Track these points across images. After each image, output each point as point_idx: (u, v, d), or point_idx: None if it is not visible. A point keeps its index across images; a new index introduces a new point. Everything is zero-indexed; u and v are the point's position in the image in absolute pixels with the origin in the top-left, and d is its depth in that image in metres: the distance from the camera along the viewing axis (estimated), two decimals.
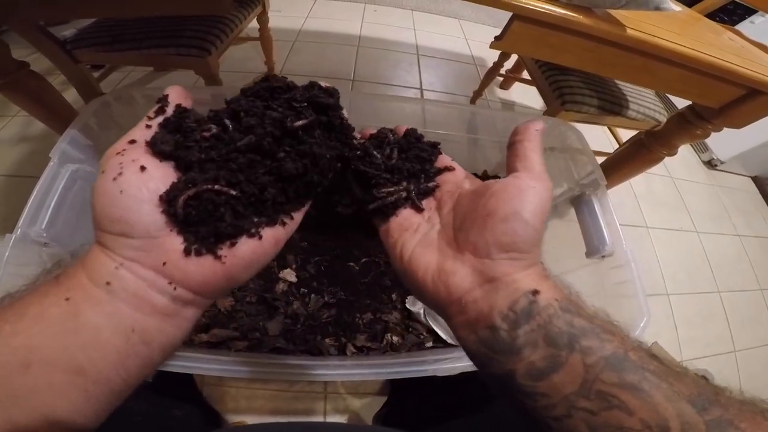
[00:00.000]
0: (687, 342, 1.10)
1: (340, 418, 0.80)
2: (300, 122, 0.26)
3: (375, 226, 0.32)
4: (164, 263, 0.21)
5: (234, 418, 0.76)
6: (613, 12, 0.56)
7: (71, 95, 0.89)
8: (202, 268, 0.21)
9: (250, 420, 0.77)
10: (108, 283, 0.20)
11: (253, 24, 1.24)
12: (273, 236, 0.24)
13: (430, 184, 0.30)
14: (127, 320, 0.20)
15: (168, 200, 0.22)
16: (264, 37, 1.31)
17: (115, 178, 0.21)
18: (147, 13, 0.89)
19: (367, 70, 1.58)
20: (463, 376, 0.54)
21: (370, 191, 0.30)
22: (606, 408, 0.19)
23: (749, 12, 1.59)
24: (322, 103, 0.27)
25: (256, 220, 0.24)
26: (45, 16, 0.59)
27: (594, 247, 0.61)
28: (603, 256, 0.60)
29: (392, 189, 0.29)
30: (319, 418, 0.79)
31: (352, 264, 0.82)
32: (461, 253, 0.24)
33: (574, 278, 0.73)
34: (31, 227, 0.52)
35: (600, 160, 0.78)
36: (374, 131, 0.33)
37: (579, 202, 0.68)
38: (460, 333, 0.24)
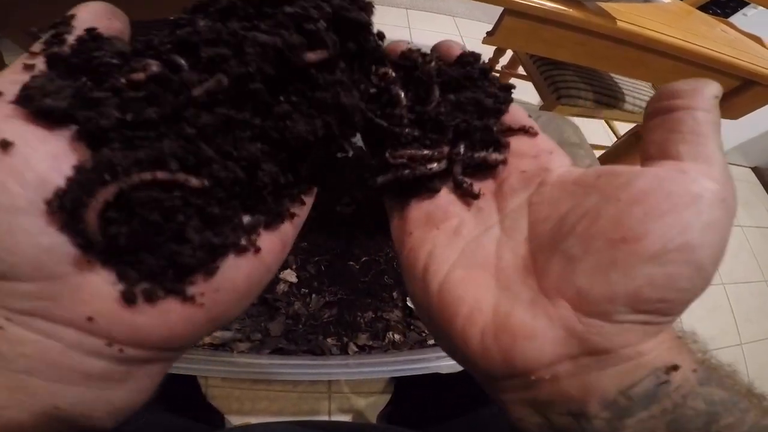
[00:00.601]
0: None
1: (344, 418, 0.80)
2: (316, 55, 0.15)
3: (386, 216, 0.20)
4: (89, 318, 0.12)
5: (238, 420, 0.76)
6: (604, 5, 0.56)
7: None
8: (165, 318, 0.13)
9: (254, 421, 0.77)
10: None
11: None
12: (277, 241, 0.16)
13: (493, 156, 0.17)
14: (44, 396, 0.12)
15: (68, 208, 0.12)
16: None
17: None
18: (140, 18, 0.90)
19: None
20: (467, 374, 0.54)
21: (383, 154, 0.18)
22: None
23: (741, 4, 1.59)
24: (351, 19, 0.16)
25: (246, 220, 0.15)
26: (38, 22, 0.60)
27: None
28: None
29: (421, 152, 0.17)
30: (324, 418, 0.80)
31: (352, 263, 0.82)
32: (548, 299, 0.14)
33: None
34: None
35: (599, 153, 0.78)
36: (406, 49, 0.19)
37: None
38: (512, 411, 0.15)
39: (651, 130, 0.15)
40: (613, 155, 0.92)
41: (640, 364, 0.13)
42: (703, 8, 0.92)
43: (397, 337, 0.76)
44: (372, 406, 0.82)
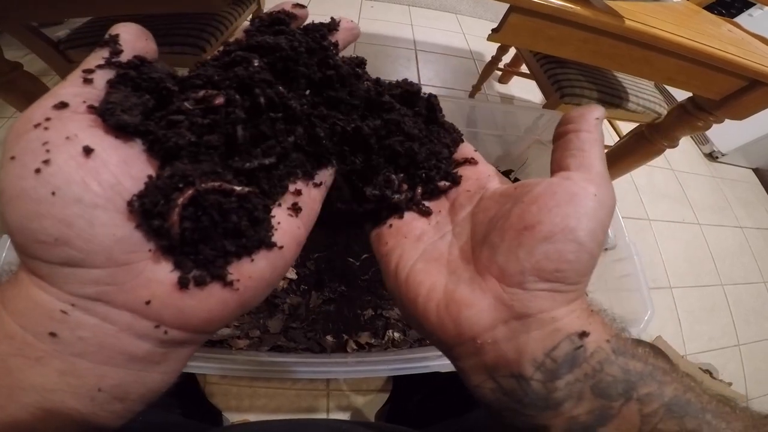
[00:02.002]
0: (691, 336, 1.10)
1: (342, 415, 0.80)
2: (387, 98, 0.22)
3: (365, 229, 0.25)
4: (147, 301, 0.14)
5: (236, 417, 0.76)
6: (612, 3, 0.55)
7: None
8: (207, 301, 0.15)
9: (253, 418, 0.77)
10: (52, 335, 0.13)
11: (247, 23, 1.23)
12: (294, 239, 0.19)
13: (443, 184, 0.23)
14: (90, 378, 0.14)
15: (148, 207, 0.14)
16: None
17: (38, 170, 0.12)
18: (139, 12, 0.89)
19: None
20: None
21: (360, 188, 0.22)
22: None
23: (747, 5, 1.58)
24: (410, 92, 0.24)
25: (273, 216, 0.18)
26: (37, 17, 0.59)
27: None
28: (606, 249, 0.60)
29: (388, 191, 0.22)
30: (322, 415, 0.79)
31: (352, 260, 0.81)
32: (481, 277, 0.18)
33: None
34: None
35: None
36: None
37: None
38: (470, 378, 0.18)
39: (554, 150, 0.20)
40: (616, 154, 0.91)
41: (556, 329, 0.16)
42: (708, 8, 0.92)
43: (396, 335, 0.75)
44: (370, 404, 0.81)
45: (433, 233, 0.22)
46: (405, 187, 0.23)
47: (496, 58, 1.33)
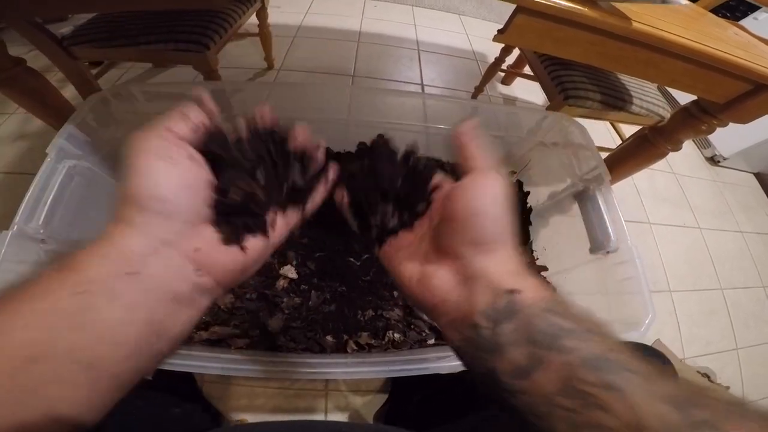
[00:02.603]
0: (689, 340, 1.10)
1: (341, 416, 0.80)
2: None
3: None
4: (196, 249, 0.21)
5: (234, 416, 0.75)
6: (618, 5, 0.55)
7: (69, 92, 0.89)
8: (229, 257, 0.22)
9: (251, 418, 0.77)
10: (135, 273, 0.19)
11: (253, 20, 1.23)
12: (283, 231, 0.27)
13: (422, 208, 0.29)
14: (145, 312, 0.19)
15: (220, 190, 0.23)
16: (263, 32, 1.30)
17: (164, 160, 0.21)
18: (143, 8, 0.89)
19: (367, 66, 1.57)
20: (466, 375, 0.54)
21: (366, 220, 0.31)
22: (586, 407, 0.19)
23: (752, 8, 1.58)
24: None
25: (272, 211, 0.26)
26: (42, 12, 0.58)
27: (598, 243, 0.61)
28: (607, 252, 0.60)
29: (388, 221, 0.30)
30: (320, 416, 0.79)
31: (352, 260, 0.81)
32: (441, 257, 0.25)
33: (577, 274, 0.72)
34: (27, 224, 0.51)
35: (602, 155, 0.77)
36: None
37: (583, 198, 0.67)
38: (446, 333, 0.25)
39: (457, 159, 0.27)
40: (618, 157, 0.91)
41: (497, 288, 0.22)
42: (713, 12, 0.91)
43: (396, 336, 0.75)
44: (369, 404, 0.81)
45: (416, 240, 0.28)
46: (396, 214, 0.30)
47: (500, 60, 1.33)
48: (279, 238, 0.27)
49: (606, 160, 0.91)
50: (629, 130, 1.19)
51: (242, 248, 0.23)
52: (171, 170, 0.20)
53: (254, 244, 0.24)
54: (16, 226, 0.50)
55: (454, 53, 1.77)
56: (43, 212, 0.53)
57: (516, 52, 1.43)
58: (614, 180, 0.94)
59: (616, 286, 0.59)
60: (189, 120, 0.23)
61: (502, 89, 1.65)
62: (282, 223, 0.27)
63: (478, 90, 1.40)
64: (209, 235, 0.22)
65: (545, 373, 0.20)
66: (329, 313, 0.75)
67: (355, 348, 0.73)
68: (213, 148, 0.23)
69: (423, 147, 1.00)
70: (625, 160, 0.90)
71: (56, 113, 0.77)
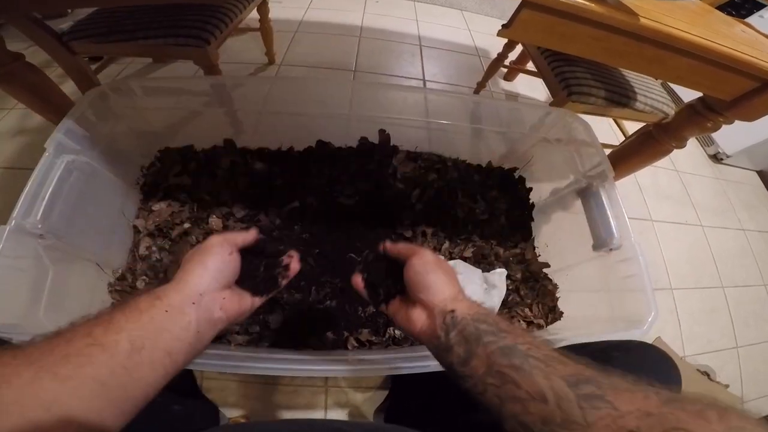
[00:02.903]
0: (690, 337, 1.10)
1: (341, 412, 0.80)
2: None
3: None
4: (223, 298, 0.35)
5: (233, 412, 0.75)
6: (625, 0, 0.54)
7: (69, 87, 0.88)
8: (235, 306, 0.37)
9: (250, 414, 0.76)
10: (194, 303, 0.32)
11: (254, 14, 1.22)
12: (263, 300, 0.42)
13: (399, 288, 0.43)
14: (196, 325, 0.31)
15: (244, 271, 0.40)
16: (264, 27, 1.29)
17: (213, 255, 0.36)
18: (143, 3, 0.88)
19: (369, 61, 1.56)
20: None
21: (377, 291, 0.44)
22: (504, 383, 0.28)
23: (758, 6, 1.56)
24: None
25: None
26: (40, 8, 0.57)
27: (601, 240, 0.60)
28: (610, 249, 0.59)
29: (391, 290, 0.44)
30: (320, 413, 0.79)
31: (353, 255, 0.81)
32: (413, 304, 0.39)
33: (580, 271, 0.72)
34: (25, 219, 0.51)
35: (605, 152, 0.77)
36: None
37: (586, 194, 0.67)
38: (426, 345, 0.37)
39: (397, 256, 0.43)
40: (621, 154, 0.90)
41: (443, 311, 0.35)
42: (718, 9, 0.90)
43: (397, 332, 0.75)
44: (369, 401, 0.81)
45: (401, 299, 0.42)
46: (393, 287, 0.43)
47: (503, 55, 1.32)
48: (260, 303, 0.41)
49: (609, 156, 0.91)
50: (632, 127, 1.18)
51: (245, 301, 0.39)
52: (212, 260, 0.36)
53: (252, 302, 0.40)
54: (14, 221, 0.50)
55: (457, 49, 1.76)
56: (42, 207, 0.53)
57: (519, 48, 1.42)
58: (617, 177, 0.93)
59: (618, 283, 0.58)
60: (242, 238, 0.40)
61: (505, 85, 1.64)
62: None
63: (480, 86, 1.39)
64: (228, 295, 0.36)
65: (476, 360, 0.30)
66: (329, 309, 0.75)
67: (356, 345, 0.73)
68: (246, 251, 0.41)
69: (424, 142, 1.01)
70: (628, 156, 0.89)
71: (55, 108, 0.76)
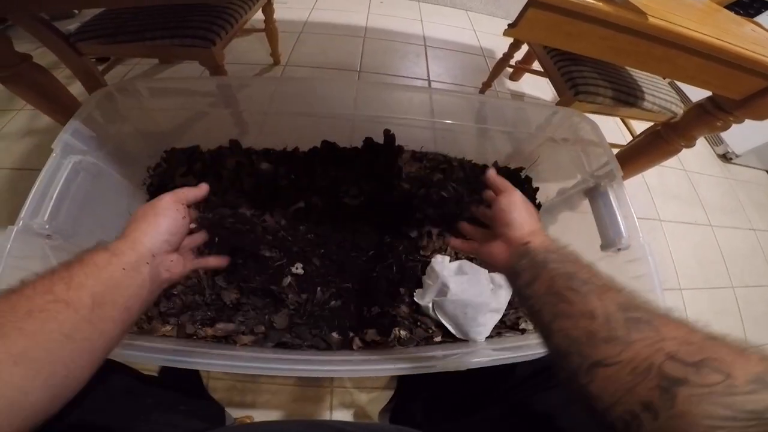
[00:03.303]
0: None
1: (346, 413, 0.80)
2: None
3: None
4: (171, 260, 0.37)
5: (239, 412, 0.75)
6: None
7: (77, 89, 0.89)
8: (178, 268, 0.39)
9: (256, 414, 0.77)
10: (147, 263, 0.34)
11: (259, 15, 1.22)
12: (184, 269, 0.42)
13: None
14: (150, 284, 0.34)
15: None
16: (269, 28, 1.29)
17: (163, 216, 0.37)
18: (147, 3, 0.88)
19: (373, 61, 1.56)
20: (472, 373, 0.53)
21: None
22: (559, 302, 0.31)
23: (765, 5, 1.54)
24: None
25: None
26: (46, 8, 0.58)
27: (609, 240, 0.60)
28: (619, 249, 0.59)
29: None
30: (326, 413, 0.79)
31: (358, 256, 0.80)
32: (495, 238, 0.44)
33: None
34: (33, 219, 0.51)
35: (613, 152, 0.76)
36: None
37: (594, 194, 0.66)
38: (504, 275, 0.42)
39: (490, 187, 0.50)
40: (629, 154, 0.89)
41: (518, 243, 0.40)
42: (726, 9, 0.89)
43: (403, 333, 0.74)
44: (374, 401, 0.81)
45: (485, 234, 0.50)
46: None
47: (508, 55, 1.31)
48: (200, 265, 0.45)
49: (616, 156, 0.90)
50: (640, 126, 1.17)
51: (188, 264, 0.41)
52: (164, 222, 0.37)
53: (194, 263, 0.43)
54: (21, 222, 0.50)
55: (462, 49, 1.75)
56: (49, 207, 0.53)
57: (525, 47, 1.41)
58: (625, 176, 0.92)
59: (627, 283, 0.57)
60: (192, 194, 0.41)
61: (510, 85, 1.63)
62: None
63: (486, 85, 1.38)
64: (175, 258, 0.38)
65: (539, 283, 0.34)
66: (335, 309, 0.75)
67: (361, 345, 0.72)
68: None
69: (430, 142, 1.00)
70: (636, 156, 0.88)
71: (63, 109, 0.77)
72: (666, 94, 1.00)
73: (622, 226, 0.59)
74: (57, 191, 0.54)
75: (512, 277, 0.38)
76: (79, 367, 0.26)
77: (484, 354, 0.64)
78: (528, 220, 0.42)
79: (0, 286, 0.44)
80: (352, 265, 0.79)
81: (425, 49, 1.69)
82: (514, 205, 0.43)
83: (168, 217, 0.37)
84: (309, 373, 0.52)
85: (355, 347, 0.72)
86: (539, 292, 0.33)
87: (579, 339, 0.28)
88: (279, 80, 1.05)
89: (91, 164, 0.62)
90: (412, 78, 1.54)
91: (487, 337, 0.73)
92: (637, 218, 0.59)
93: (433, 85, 1.53)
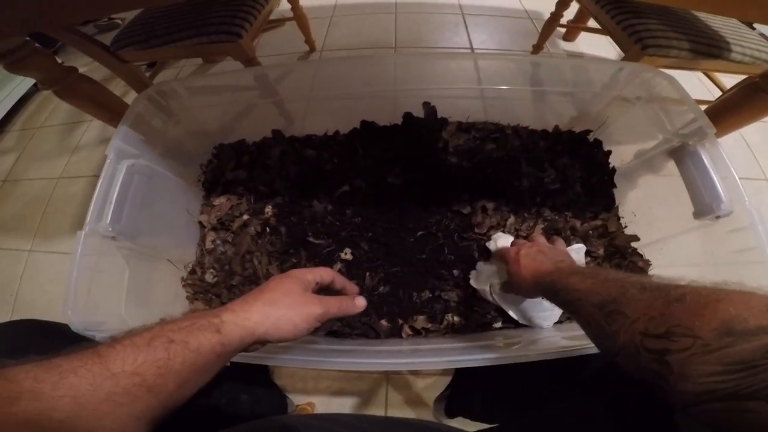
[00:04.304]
0: None
1: (401, 399, 0.78)
2: None
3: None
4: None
5: (301, 399, 0.77)
6: None
7: (132, 96, 0.94)
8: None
9: (317, 400, 0.78)
10: (246, 342, 0.33)
11: (285, 5, 1.21)
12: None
13: None
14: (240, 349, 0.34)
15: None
16: (298, 15, 1.28)
17: (289, 296, 0.37)
18: (166, 3, 0.90)
19: (409, 35, 1.48)
20: (536, 364, 0.47)
21: None
22: (569, 312, 0.40)
23: None
24: None
25: None
26: (77, 15, 0.59)
27: (705, 206, 0.50)
28: (717, 217, 0.49)
29: None
30: (381, 399, 0.78)
31: (406, 237, 0.77)
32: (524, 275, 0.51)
33: (678, 244, 0.62)
34: (98, 223, 0.54)
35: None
36: None
37: (680, 154, 0.56)
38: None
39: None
40: (720, 110, 0.75)
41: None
42: None
43: (456, 319, 0.70)
44: (430, 388, 0.79)
45: None
46: None
47: (557, 14, 1.17)
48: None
49: (708, 111, 0.76)
50: (729, 81, 1.00)
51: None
52: (286, 303, 0.36)
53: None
54: (87, 227, 0.53)
55: (503, 14, 1.61)
56: (110, 211, 0.55)
57: (574, 5, 1.25)
58: (718, 135, 0.78)
59: (729, 257, 0.48)
60: (318, 279, 0.41)
61: (565, 46, 1.47)
62: None
63: (538, 48, 1.26)
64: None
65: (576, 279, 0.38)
66: (383, 295, 0.72)
67: (411, 333, 0.70)
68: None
69: (478, 111, 0.93)
70: (729, 112, 0.74)
71: (117, 116, 0.81)
72: (757, 43, 0.84)
73: (720, 189, 0.49)
74: (116, 195, 0.57)
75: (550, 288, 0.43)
76: (177, 392, 0.28)
77: (551, 342, 0.59)
78: (533, 266, 0.51)
79: (75, 288, 0.48)
80: (399, 248, 0.76)
81: (463, 17, 1.58)
82: (515, 265, 0.53)
83: (287, 305, 0.36)
84: (358, 366, 0.50)
85: (404, 335, 0.69)
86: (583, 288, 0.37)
87: (592, 341, 0.35)
88: (315, 63, 1.02)
89: (144, 166, 0.64)
90: (453, 48, 1.45)
91: (556, 323, 0.66)
92: (740, 179, 0.49)
93: (478, 53, 1.43)
